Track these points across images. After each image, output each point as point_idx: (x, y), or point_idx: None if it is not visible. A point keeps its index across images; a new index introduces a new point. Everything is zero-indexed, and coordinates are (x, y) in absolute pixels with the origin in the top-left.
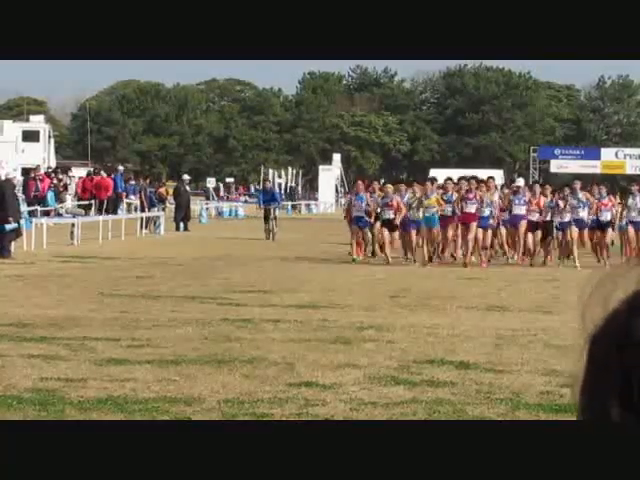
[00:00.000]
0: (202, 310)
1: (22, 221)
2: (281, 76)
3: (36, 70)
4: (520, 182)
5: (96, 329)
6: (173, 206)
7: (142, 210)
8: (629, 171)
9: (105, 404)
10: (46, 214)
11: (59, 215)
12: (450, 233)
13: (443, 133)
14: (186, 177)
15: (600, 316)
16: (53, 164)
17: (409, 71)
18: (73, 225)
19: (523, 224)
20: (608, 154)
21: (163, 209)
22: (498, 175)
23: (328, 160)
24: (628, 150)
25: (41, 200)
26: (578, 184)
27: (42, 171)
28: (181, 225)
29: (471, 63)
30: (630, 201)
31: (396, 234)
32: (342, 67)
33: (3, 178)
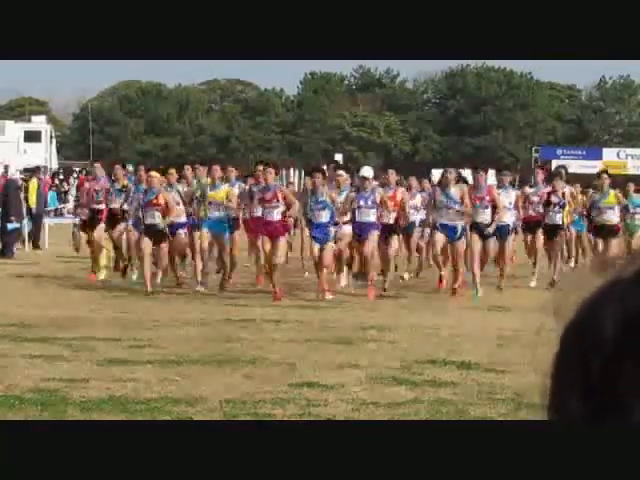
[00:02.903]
0: (203, 310)
1: (24, 221)
2: (283, 76)
3: (38, 70)
4: (366, 172)
5: (97, 329)
6: None
7: None
8: (631, 171)
9: (107, 404)
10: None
11: (61, 215)
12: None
13: (444, 133)
14: None
15: (572, 313)
16: (55, 165)
17: (411, 71)
18: (74, 225)
19: (373, 236)
20: (610, 154)
21: None
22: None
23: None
24: (630, 150)
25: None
26: (452, 174)
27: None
28: None
29: (473, 63)
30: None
31: (165, 245)
32: (344, 67)
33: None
